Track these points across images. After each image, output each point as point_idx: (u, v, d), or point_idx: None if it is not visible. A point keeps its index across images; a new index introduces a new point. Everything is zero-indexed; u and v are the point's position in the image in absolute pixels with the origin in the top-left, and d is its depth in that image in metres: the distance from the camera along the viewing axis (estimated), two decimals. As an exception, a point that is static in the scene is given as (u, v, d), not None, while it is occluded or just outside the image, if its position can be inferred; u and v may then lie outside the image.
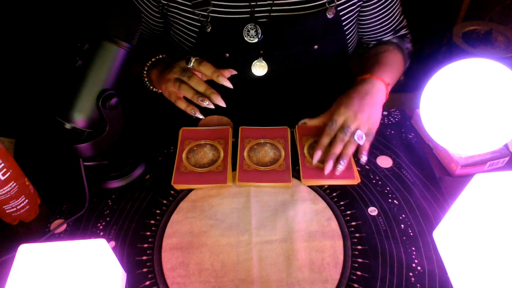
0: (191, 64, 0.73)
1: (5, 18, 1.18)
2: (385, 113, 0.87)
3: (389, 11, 0.89)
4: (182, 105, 0.74)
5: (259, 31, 0.80)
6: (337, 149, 0.72)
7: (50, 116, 0.65)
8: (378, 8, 0.87)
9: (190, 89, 0.71)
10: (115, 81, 0.64)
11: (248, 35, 0.81)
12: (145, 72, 0.81)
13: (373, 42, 0.95)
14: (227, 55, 0.84)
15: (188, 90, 0.71)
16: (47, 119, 0.67)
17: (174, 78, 0.74)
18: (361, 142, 0.73)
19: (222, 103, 0.71)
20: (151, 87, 0.82)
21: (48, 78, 1.02)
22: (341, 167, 0.72)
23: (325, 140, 0.74)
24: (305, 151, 0.78)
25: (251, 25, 0.80)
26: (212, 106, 0.72)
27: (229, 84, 0.71)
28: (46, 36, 1.19)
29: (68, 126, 0.64)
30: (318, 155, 0.73)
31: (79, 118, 0.63)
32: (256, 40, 0.81)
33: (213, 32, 0.81)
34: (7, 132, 0.80)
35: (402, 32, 0.96)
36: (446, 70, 0.69)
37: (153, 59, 0.81)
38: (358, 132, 0.73)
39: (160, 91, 0.79)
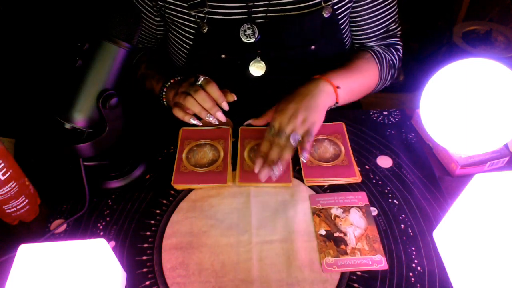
0: (199, 82, 0.74)
1: (5, 18, 1.18)
2: (385, 113, 0.87)
3: (377, 15, 0.86)
4: (179, 113, 0.75)
5: (256, 30, 0.80)
6: (273, 154, 0.71)
7: (50, 116, 0.65)
8: (368, 11, 0.85)
9: (197, 104, 0.72)
10: (115, 81, 0.64)
11: (245, 35, 0.81)
12: (163, 93, 0.83)
13: (356, 45, 0.92)
14: (223, 56, 0.84)
15: (194, 105, 0.72)
16: (47, 119, 0.67)
17: (181, 91, 0.75)
18: (295, 145, 0.71)
19: (224, 120, 0.73)
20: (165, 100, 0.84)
21: (48, 78, 1.02)
22: (276, 173, 0.69)
23: (264, 147, 0.73)
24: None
25: (247, 25, 0.80)
26: (216, 123, 0.74)
27: (226, 107, 0.73)
28: (46, 36, 1.19)
29: (68, 126, 0.64)
30: (259, 162, 0.71)
31: (79, 118, 0.63)
32: (252, 40, 0.81)
33: (209, 33, 0.81)
34: (7, 132, 0.80)
35: (390, 41, 0.90)
36: (446, 70, 0.69)
37: (171, 81, 0.82)
38: (293, 135, 0.71)
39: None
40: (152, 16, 0.87)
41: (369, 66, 0.86)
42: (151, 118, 0.87)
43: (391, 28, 0.89)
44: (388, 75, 0.90)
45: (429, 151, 0.80)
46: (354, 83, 0.83)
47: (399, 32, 0.92)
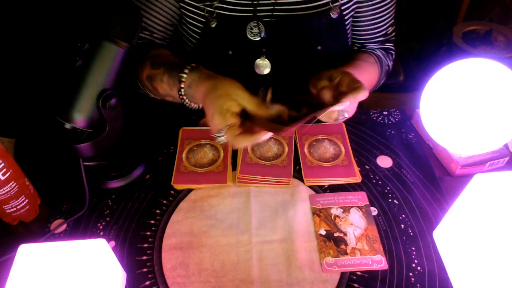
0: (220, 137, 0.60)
1: (5, 18, 1.18)
2: (385, 113, 0.87)
3: (380, 17, 0.87)
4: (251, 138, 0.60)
5: (262, 29, 0.80)
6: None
7: (50, 116, 0.65)
8: (371, 12, 0.86)
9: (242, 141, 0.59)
10: (115, 81, 0.64)
11: (251, 32, 0.81)
12: (183, 96, 0.69)
13: (357, 45, 0.92)
14: (230, 52, 0.84)
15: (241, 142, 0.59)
16: (47, 119, 0.67)
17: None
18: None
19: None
20: (192, 104, 0.71)
21: (48, 78, 1.02)
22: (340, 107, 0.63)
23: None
24: (305, 150, 0.78)
25: (254, 22, 0.80)
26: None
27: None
28: (46, 36, 1.19)
29: (68, 126, 0.64)
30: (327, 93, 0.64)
31: (79, 118, 0.63)
32: (258, 38, 0.81)
33: (217, 28, 0.81)
34: (7, 132, 0.80)
35: (388, 45, 0.92)
36: (446, 70, 0.69)
37: (185, 71, 0.68)
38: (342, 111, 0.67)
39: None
40: (170, 4, 0.82)
41: (372, 69, 0.86)
42: (151, 118, 0.87)
43: (388, 32, 0.91)
44: (381, 81, 0.91)
45: (429, 151, 0.80)
46: (366, 83, 0.79)
47: (394, 38, 0.93)
